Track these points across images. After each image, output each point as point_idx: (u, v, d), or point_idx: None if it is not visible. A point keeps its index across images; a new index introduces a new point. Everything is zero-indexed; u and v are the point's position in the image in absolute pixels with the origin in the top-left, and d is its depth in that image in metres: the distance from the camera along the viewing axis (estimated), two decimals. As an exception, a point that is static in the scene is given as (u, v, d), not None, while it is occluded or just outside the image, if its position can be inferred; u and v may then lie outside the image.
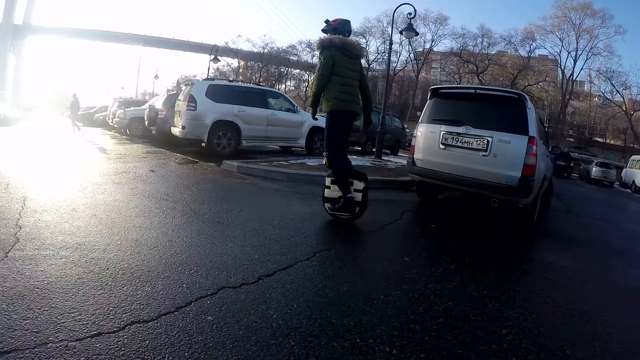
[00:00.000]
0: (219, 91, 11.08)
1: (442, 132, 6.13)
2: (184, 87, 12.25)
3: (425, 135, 6.43)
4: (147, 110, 13.81)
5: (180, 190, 6.31)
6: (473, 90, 6.48)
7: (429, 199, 7.41)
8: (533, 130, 5.63)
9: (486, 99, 6.22)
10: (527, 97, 5.97)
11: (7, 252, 3.22)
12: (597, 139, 59.29)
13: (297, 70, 65.56)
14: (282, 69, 63.15)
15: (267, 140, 12.40)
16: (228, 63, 66.05)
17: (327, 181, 4.97)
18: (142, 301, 2.61)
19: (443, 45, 59.01)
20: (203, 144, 11.19)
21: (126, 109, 17.08)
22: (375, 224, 5.15)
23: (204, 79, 12.03)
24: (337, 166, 4.75)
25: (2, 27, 67.59)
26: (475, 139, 5.80)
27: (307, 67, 61.20)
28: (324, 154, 4.86)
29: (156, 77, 42.29)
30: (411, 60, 59.43)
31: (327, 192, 5.01)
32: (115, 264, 3.25)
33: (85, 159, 9.60)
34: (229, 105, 10.98)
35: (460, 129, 5.93)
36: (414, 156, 6.59)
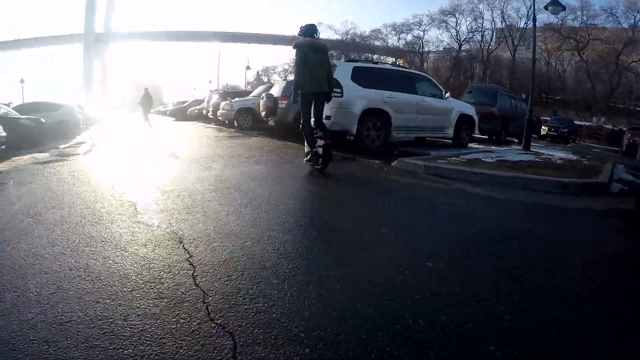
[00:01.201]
0: (365, 74, 9.13)
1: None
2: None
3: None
4: (264, 99, 11.62)
5: (418, 213, 4.43)
6: None
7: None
8: None
9: None
10: None
11: None
12: None
13: (376, 56, 62.21)
14: (364, 55, 59.70)
15: (416, 131, 10.15)
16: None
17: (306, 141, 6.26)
18: None
19: (539, 21, 52.88)
20: (350, 137, 8.84)
21: (232, 100, 15.01)
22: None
23: (346, 60, 9.75)
24: (306, 130, 6.22)
25: (85, 36, 74.06)
26: None
27: (391, 51, 56.71)
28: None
29: (248, 68, 40.68)
30: (505, 37, 53.87)
31: (305, 148, 6.43)
32: None
33: (213, 158, 7.47)
34: (378, 91, 9.01)
35: None
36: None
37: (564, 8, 13.27)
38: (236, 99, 15.43)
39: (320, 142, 6.04)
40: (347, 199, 4.83)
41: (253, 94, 16.09)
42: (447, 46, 56.12)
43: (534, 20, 14.36)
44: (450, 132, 10.66)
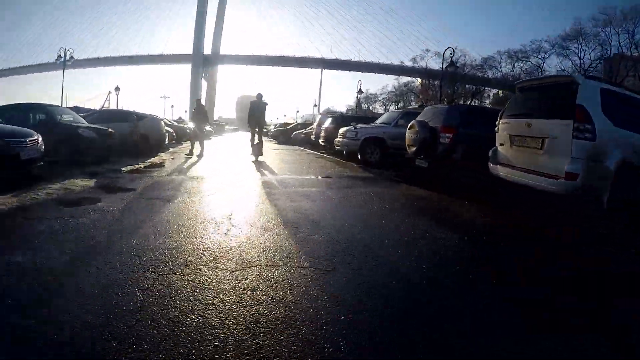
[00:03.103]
0: (615, 102, 5.25)
1: None
2: (519, 94, 6.26)
3: None
4: (416, 129, 7.84)
5: None
6: None
7: None
8: None
9: None
10: None
11: None
12: None
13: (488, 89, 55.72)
14: (468, 87, 53.76)
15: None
16: (410, 81, 62.05)
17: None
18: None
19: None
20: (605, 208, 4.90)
21: (357, 127, 11.35)
22: None
23: (587, 76, 5.63)
24: (252, 142, 11.91)
25: (194, 57, 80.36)
26: None
27: (503, 82, 49.95)
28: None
29: (360, 92, 37.34)
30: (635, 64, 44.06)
31: (251, 150, 11.81)
32: None
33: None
34: (630, 133, 5.11)
35: None
36: None
37: None
38: (360, 125, 11.63)
39: (256, 143, 11.90)
40: None
41: (381, 120, 12.34)
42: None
43: None
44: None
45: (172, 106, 69.23)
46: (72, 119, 9.56)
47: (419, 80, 61.07)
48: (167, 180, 6.73)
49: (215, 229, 3.79)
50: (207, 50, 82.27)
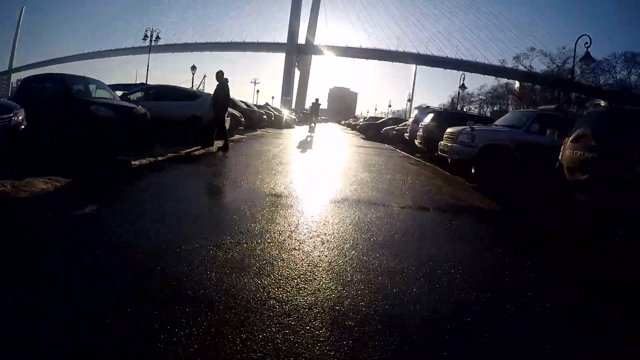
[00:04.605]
0: None
1: None
2: None
3: None
4: (591, 145, 4.48)
5: None
6: None
7: None
8: None
9: None
10: None
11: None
12: None
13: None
14: (574, 95, 47.03)
15: None
16: (510, 82, 57.86)
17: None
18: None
19: None
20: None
21: (475, 128, 8.09)
22: None
23: None
24: (309, 124, 23.37)
25: (288, 47, 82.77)
26: None
27: (616, 93, 42.69)
28: None
29: (463, 87, 33.78)
30: None
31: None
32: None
33: None
34: None
35: None
36: None
37: None
38: (479, 126, 8.41)
39: (311, 126, 22.49)
40: None
41: (503, 121, 8.99)
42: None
43: None
44: None
45: (258, 91, 68.03)
46: (91, 93, 7.84)
47: (518, 82, 56.71)
48: (176, 189, 4.32)
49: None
50: (301, 39, 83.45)
